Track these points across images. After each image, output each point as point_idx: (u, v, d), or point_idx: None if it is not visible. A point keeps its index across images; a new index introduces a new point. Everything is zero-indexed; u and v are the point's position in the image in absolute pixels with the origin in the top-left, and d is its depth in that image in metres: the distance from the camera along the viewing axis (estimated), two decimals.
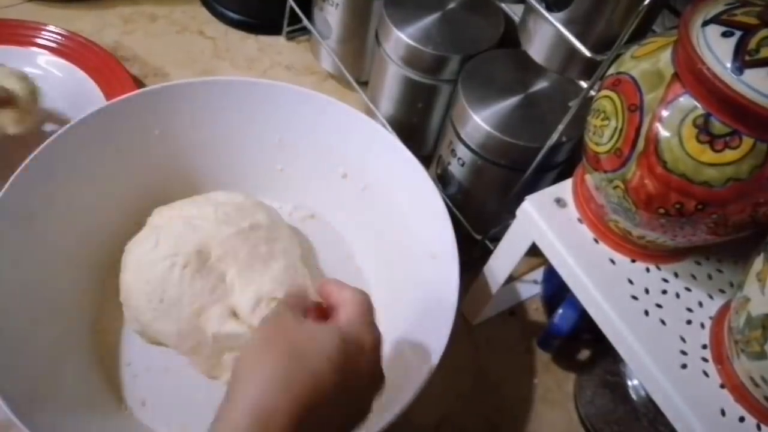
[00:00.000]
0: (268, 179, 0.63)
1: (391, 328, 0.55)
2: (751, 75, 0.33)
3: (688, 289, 0.45)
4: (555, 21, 0.45)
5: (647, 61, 0.39)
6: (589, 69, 0.46)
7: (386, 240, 0.59)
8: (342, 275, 0.59)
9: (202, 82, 0.58)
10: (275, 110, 0.59)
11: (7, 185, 0.48)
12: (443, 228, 0.52)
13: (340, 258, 0.62)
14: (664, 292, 0.45)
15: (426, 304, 0.52)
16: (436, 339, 0.46)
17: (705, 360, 0.42)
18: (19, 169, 0.49)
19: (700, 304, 0.44)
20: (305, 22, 0.75)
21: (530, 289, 0.64)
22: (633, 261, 0.46)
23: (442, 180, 0.55)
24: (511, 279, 0.63)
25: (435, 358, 0.45)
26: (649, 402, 0.49)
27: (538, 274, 0.64)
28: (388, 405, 0.43)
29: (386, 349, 0.52)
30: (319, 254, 0.62)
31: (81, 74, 0.70)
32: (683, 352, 0.42)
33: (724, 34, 0.35)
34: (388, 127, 0.65)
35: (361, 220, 0.61)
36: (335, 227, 0.64)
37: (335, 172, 0.61)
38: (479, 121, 0.53)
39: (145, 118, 0.57)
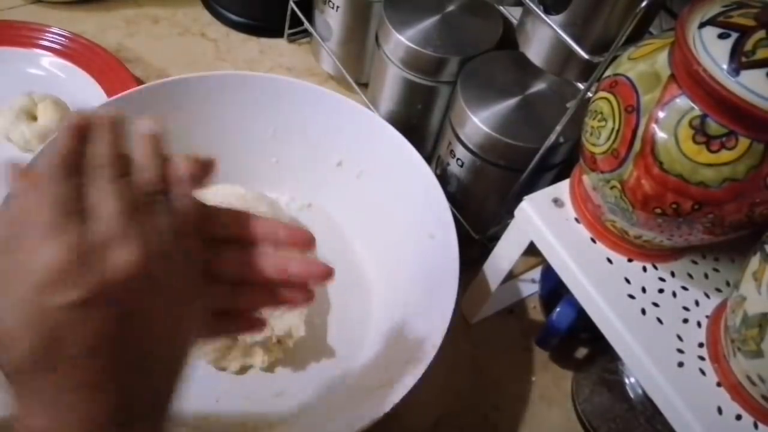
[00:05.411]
0: (263, 171, 0.63)
1: (390, 312, 0.56)
2: (748, 76, 0.33)
3: (685, 288, 0.45)
4: (552, 23, 0.45)
5: (644, 62, 0.39)
6: (587, 71, 0.46)
7: (384, 225, 0.60)
8: (341, 262, 0.59)
9: (198, 77, 0.58)
10: (268, 102, 0.60)
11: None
12: (440, 208, 0.53)
13: (339, 245, 0.62)
14: (661, 291, 0.45)
15: (426, 284, 0.52)
16: (440, 316, 0.46)
17: (702, 358, 0.42)
18: None
19: (697, 303, 0.45)
20: (306, 24, 0.76)
21: (529, 287, 0.65)
22: (630, 260, 0.46)
23: (441, 180, 0.56)
24: (510, 277, 0.63)
25: (438, 336, 0.45)
26: (647, 400, 0.49)
27: (537, 273, 0.65)
28: (388, 389, 0.43)
29: (383, 334, 0.52)
30: (318, 242, 0.63)
31: (84, 76, 0.70)
32: (680, 351, 0.42)
33: (721, 36, 0.35)
34: None
35: (359, 206, 0.62)
36: (333, 215, 0.64)
37: (330, 161, 0.62)
38: (478, 122, 0.53)
39: (142, 115, 0.57)
